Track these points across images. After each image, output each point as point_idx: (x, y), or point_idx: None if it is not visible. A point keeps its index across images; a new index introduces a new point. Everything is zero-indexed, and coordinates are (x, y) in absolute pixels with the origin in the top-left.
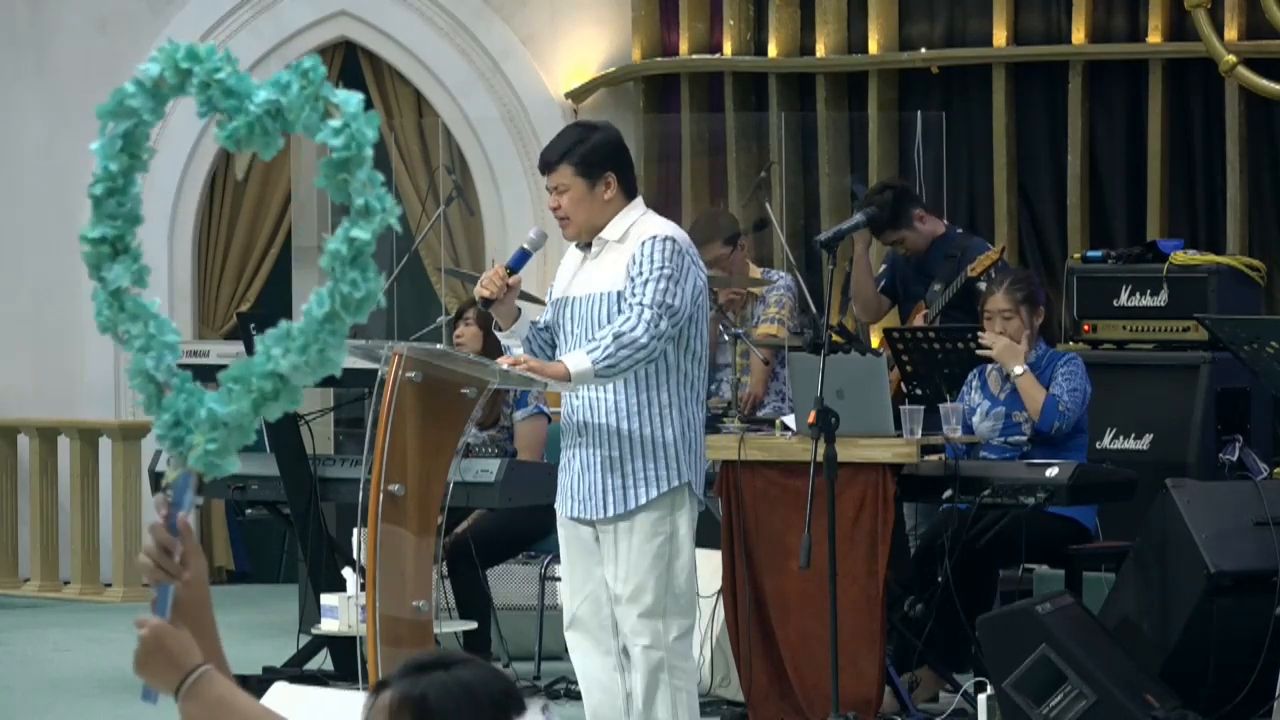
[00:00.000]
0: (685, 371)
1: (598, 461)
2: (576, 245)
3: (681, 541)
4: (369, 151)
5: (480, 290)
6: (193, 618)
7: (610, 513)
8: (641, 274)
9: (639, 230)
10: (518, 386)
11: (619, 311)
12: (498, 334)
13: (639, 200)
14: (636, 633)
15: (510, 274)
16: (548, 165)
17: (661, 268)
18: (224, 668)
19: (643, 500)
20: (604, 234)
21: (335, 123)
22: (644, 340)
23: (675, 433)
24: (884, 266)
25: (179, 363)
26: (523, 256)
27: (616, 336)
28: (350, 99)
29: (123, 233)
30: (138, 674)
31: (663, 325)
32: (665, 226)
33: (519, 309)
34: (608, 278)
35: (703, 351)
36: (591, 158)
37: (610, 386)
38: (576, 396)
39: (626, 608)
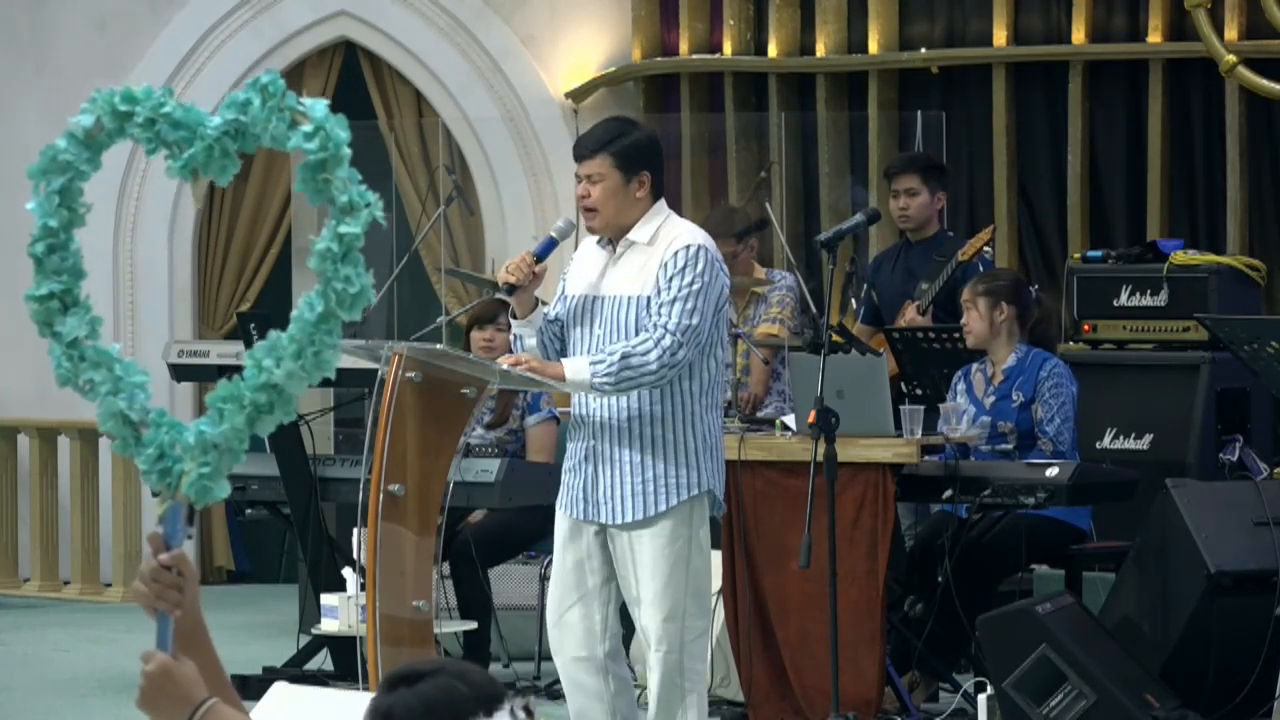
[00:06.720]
0: (708, 376)
1: (617, 464)
2: (598, 242)
3: (700, 545)
4: (346, 151)
5: (505, 275)
6: (191, 642)
7: (629, 518)
8: (670, 289)
9: (668, 234)
10: (519, 387)
11: (647, 317)
12: (512, 320)
13: (663, 203)
14: (656, 638)
15: (536, 262)
16: (585, 152)
17: (691, 284)
18: (225, 687)
19: (663, 507)
20: (631, 235)
21: (307, 128)
22: (653, 367)
23: (698, 439)
24: (865, 287)
25: (179, 361)
26: (550, 245)
27: (625, 357)
28: (316, 105)
29: (69, 286)
30: (144, 710)
31: (680, 354)
32: (695, 233)
33: (537, 299)
34: (635, 281)
35: (724, 355)
36: (631, 153)
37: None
38: (594, 397)
39: (647, 611)
